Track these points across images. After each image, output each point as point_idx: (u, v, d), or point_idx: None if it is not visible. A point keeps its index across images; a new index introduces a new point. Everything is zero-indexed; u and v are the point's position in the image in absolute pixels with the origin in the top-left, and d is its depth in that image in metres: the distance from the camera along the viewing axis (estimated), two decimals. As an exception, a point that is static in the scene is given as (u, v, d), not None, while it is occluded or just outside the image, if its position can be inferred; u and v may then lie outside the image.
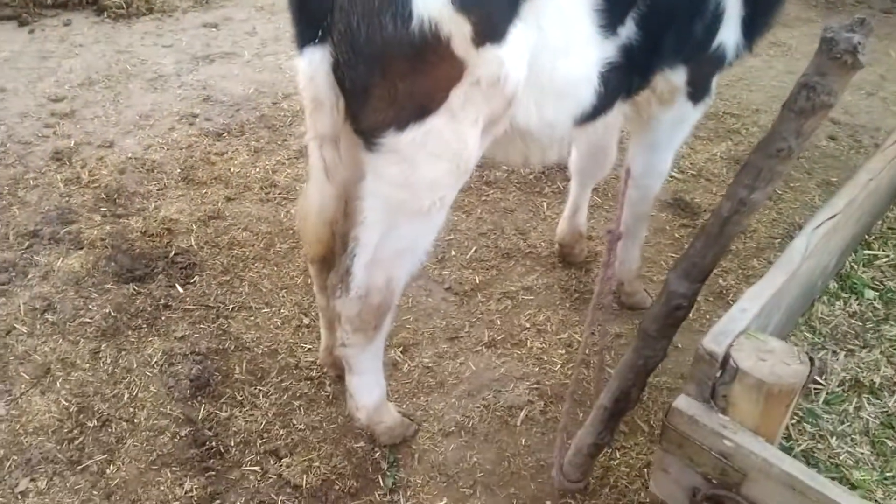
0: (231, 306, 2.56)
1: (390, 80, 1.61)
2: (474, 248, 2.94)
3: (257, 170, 3.30)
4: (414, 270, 1.90)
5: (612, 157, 2.74)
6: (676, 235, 3.09)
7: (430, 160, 1.75)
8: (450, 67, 1.63)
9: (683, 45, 2.10)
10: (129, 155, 3.29)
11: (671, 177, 3.43)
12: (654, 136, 2.36)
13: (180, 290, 2.61)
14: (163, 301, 2.56)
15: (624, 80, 2.07)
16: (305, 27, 1.62)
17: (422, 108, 1.67)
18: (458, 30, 1.57)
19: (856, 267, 2.25)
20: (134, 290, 2.60)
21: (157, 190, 3.13)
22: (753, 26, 2.14)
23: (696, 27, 2.07)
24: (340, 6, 1.55)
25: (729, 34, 2.12)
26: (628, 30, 1.94)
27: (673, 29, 2.03)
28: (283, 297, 2.62)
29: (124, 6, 4.13)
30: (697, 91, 2.22)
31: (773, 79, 4.15)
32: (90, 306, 2.52)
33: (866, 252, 2.31)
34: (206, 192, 3.16)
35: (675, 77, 2.18)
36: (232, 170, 3.29)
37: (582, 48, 1.90)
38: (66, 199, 3.03)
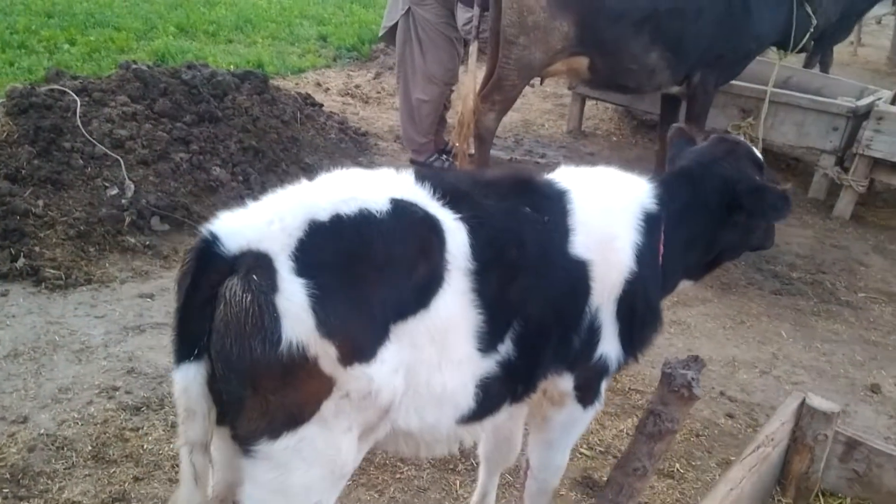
0: None
1: (262, 394, 1.80)
2: (381, 534, 2.93)
3: (170, 447, 3.31)
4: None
5: (516, 447, 2.88)
6: (584, 519, 3.14)
7: (304, 466, 1.90)
8: (318, 383, 1.83)
9: (564, 357, 2.33)
10: (42, 431, 3.29)
11: (580, 453, 3.55)
12: (548, 435, 2.53)
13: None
14: None
15: (507, 387, 2.26)
16: (183, 344, 1.80)
17: (293, 418, 1.86)
18: (324, 352, 1.77)
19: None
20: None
21: (65, 469, 3.10)
22: (631, 340, 2.39)
23: (574, 342, 2.32)
24: (216, 329, 1.73)
25: (609, 347, 2.36)
26: (507, 347, 2.17)
27: (550, 345, 2.27)
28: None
29: (63, 277, 4.33)
30: (586, 396, 2.41)
31: (673, 355, 4.45)
32: None
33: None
34: (114, 472, 3.14)
35: (563, 383, 2.39)
36: (145, 447, 3.30)
37: (457, 365, 2.12)
38: (-30, 479, 2.98)
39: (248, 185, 5.74)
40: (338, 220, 1.83)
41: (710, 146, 2.67)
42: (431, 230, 1.98)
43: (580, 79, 6.00)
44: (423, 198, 2.02)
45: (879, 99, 6.76)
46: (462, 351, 2.08)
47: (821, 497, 2.36)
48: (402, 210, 1.93)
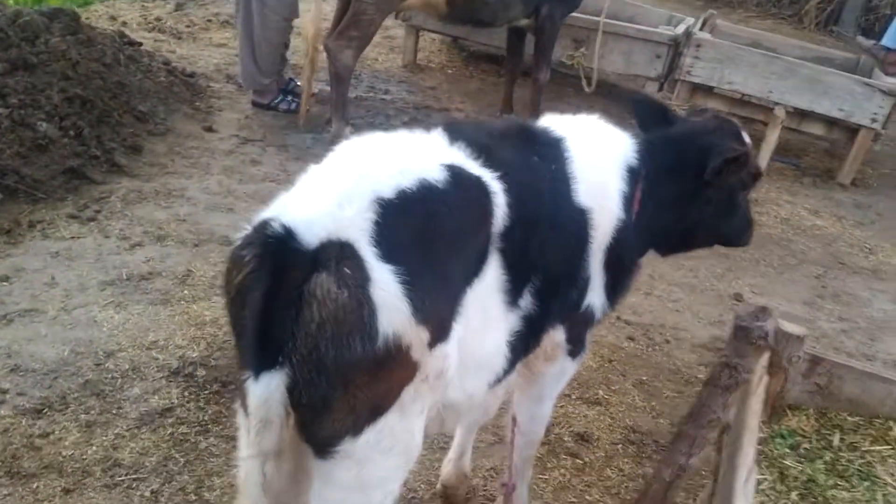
0: None
1: (351, 392, 1.64)
2: None
3: (94, 449, 2.95)
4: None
5: (495, 405, 2.90)
6: None
7: (383, 457, 1.79)
8: (406, 370, 1.72)
9: (563, 308, 2.35)
10: (-70, 457, 2.79)
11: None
12: (539, 389, 2.58)
13: None
14: None
15: (523, 344, 2.26)
16: (264, 354, 1.60)
17: (376, 410, 1.73)
18: (417, 338, 1.66)
19: None
20: None
21: (-24, 495, 2.67)
22: (613, 291, 2.47)
23: (573, 292, 2.35)
24: (306, 332, 1.56)
25: (595, 296, 2.42)
26: (525, 301, 2.16)
27: (558, 296, 2.28)
28: None
29: None
30: (575, 347, 2.48)
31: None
32: None
33: None
34: (37, 487, 2.75)
35: (557, 335, 2.42)
36: (63, 453, 2.91)
37: (494, 327, 2.08)
38: None
39: (83, 141, 5.08)
40: (403, 196, 1.69)
41: (699, 120, 2.73)
42: (485, 194, 1.91)
43: (437, 13, 5.89)
44: (464, 159, 1.94)
45: (688, 26, 7.33)
46: (496, 312, 2.05)
47: (787, 411, 2.61)
48: (456, 177, 1.83)
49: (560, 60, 7.16)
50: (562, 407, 3.61)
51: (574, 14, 6.85)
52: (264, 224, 1.63)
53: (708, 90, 6.94)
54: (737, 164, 2.45)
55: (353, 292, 1.53)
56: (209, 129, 5.86)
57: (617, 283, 2.47)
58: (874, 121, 6.66)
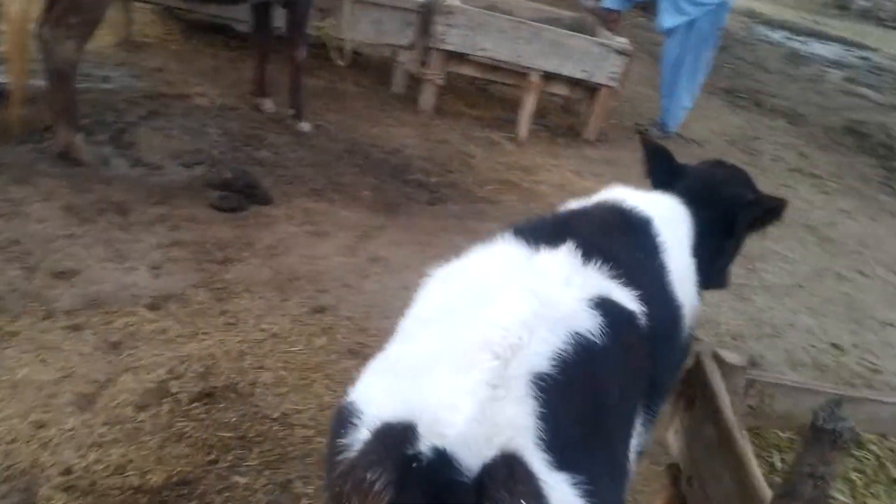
0: None
1: None
2: None
3: None
4: None
5: None
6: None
7: None
8: None
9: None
10: None
11: None
12: None
13: None
14: None
15: None
16: None
17: None
18: None
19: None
20: None
21: None
22: None
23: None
24: None
25: None
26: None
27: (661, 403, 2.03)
28: None
29: None
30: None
31: (391, 296, 4.27)
32: None
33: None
34: None
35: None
36: None
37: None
38: None
39: None
40: (563, 367, 1.30)
41: (707, 168, 2.57)
42: (643, 334, 1.57)
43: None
44: (601, 279, 1.57)
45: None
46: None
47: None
48: (611, 318, 1.46)
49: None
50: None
51: (316, -18, 6.24)
52: (398, 434, 1.16)
53: (461, 57, 6.81)
54: (774, 214, 2.33)
55: None
56: None
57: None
58: (612, 79, 7.07)
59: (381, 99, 7.03)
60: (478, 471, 1.15)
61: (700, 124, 8.58)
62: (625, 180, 6.45)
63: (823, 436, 1.52)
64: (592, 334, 1.40)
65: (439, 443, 1.17)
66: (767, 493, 1.80)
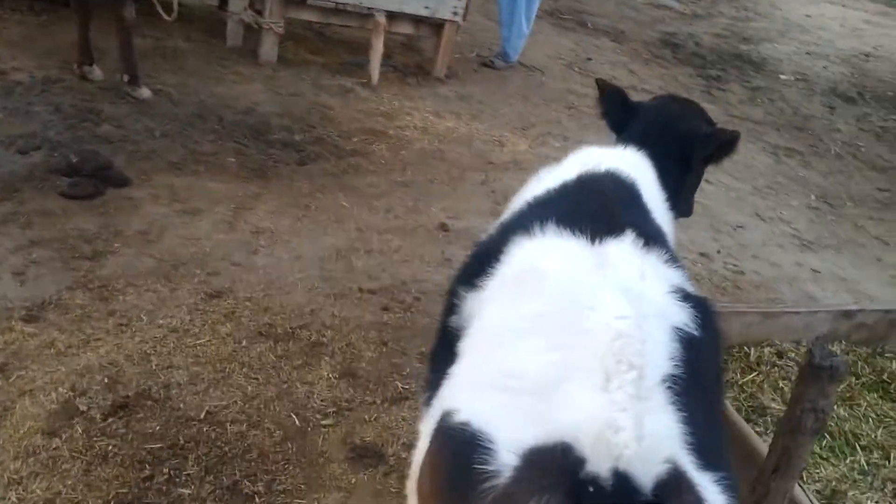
0: None
1: None
2: None
3: None
4: None
5: None
6: None
7: None
8: None
9: None
10: None
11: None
12: None
13: None
14: None
15: None
16: None
17: None
18: None
19: None
20: None
21: None
22: None
23: None
24: None
25: None
26: None
27: None
28: None
29: None
30: None
31: (285, 269, 4.10)
32: None
33: None
34: None
35: None
36: None
37: None
38: None
39: None
40: (680, 366, 1.36)
41: (662, 104, 2.61)
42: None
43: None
44: (661, 265, 1.61)
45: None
46: None
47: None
48: (691, 306, 1.50)
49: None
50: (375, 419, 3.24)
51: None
52: (559, 458, 1.14)
53: (301, 3, 6.48)
54: (729, 147, 2.39)
55: None
56: None
57: None
58: (455, 14, 7.03)
59: (217, 54, 6.58)
60: (651, 489, 1.15)
61: (535, 50, 8.75)
62: (482, 118, 6.59)
63: (822, 372, 1.63)
64: (689, 326, 1.43)
65: (619, 465, 1.14)
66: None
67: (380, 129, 5.91)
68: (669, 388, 1.29)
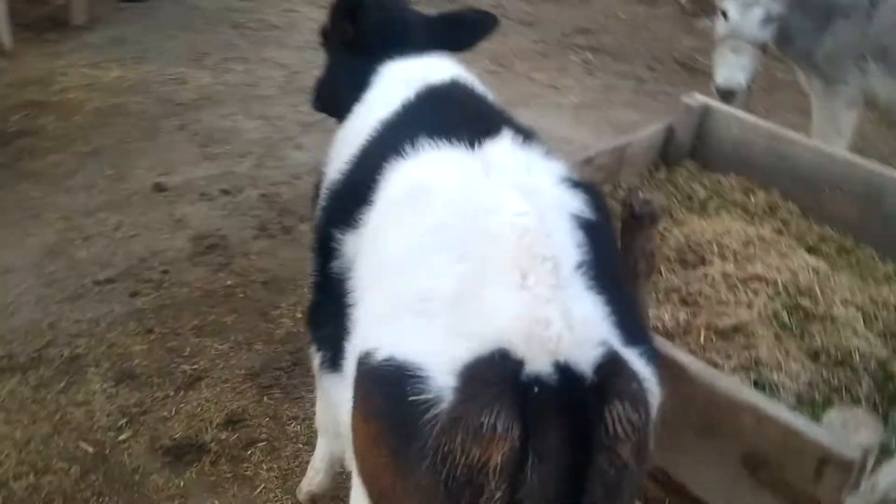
0: None
1: None
2: None
3: None
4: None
5: None
6: None
7: None
8: None
9: None
10: None
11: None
12: None
13: None
14: None
15: None
16: None
17: None
18: None
19: None
20: None
21: None
22: None
23: None
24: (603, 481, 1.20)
25: None
26: None
27: None
28: None
29: None
30: None
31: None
32: None
33: None
34: None
35: None
36: None
37: None
38: None
39: None
40: (587, 250, 1.39)
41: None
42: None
43: None
44: (539, 156, 1.62)
45: None
46: None
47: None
48: (580, 191, 1.55)
49: None
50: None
51: None
52: (498, 367, 1.12)
53: None
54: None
55: (644, 411, 1.17)
56: None
57: None
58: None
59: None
60: (593, 372, 1.16)
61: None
62: (149, 59, 5.95)
63: (644, 219, 1.77)
64: (585, 212, 1.44)
65: (559, 358, 1.13)
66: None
67: (39, 99, 5.10)
68: (584, 273, 1.32)
